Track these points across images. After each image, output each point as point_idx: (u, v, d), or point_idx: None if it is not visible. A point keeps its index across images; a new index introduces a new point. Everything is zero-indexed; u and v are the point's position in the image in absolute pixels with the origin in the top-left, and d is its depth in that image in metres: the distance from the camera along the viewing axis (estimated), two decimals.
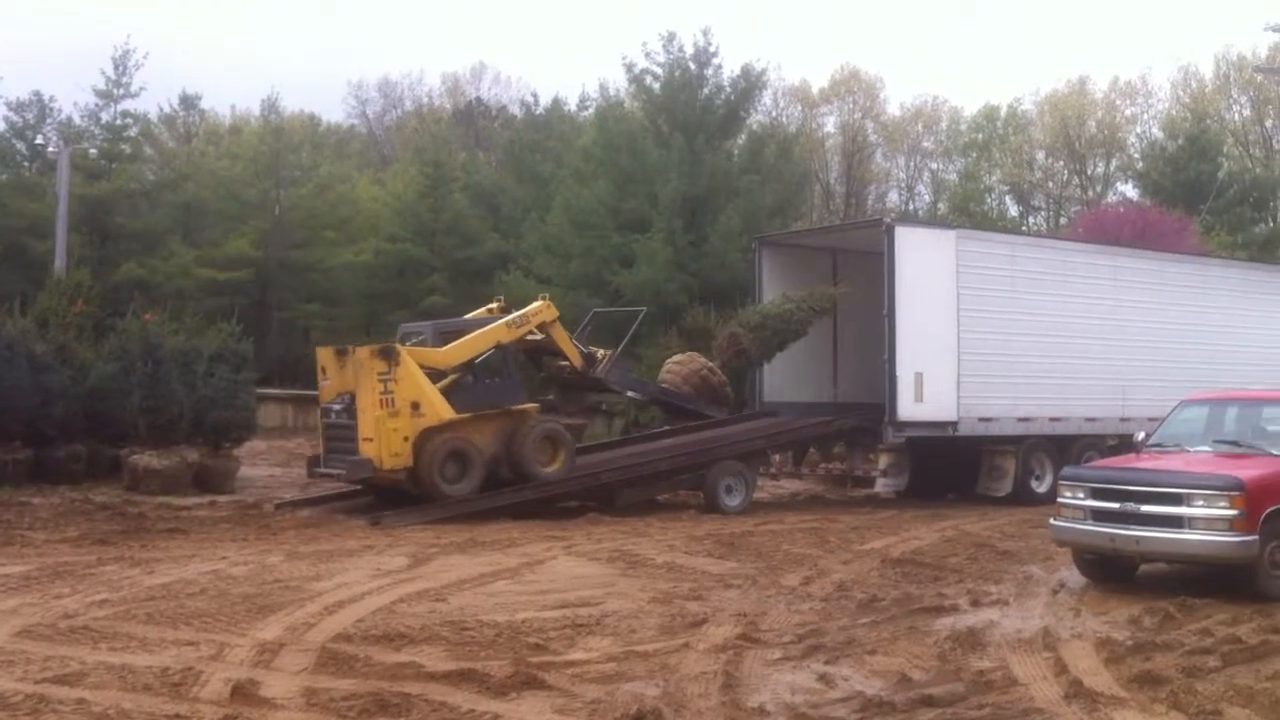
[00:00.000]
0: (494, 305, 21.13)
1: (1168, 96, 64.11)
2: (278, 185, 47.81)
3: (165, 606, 10.83)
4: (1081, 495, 12.69)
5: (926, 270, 20.67)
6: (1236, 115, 62.09)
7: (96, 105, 45.38)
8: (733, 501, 19.56)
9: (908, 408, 20.39)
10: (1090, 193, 63.57)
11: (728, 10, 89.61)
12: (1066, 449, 21.63)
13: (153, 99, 60.29)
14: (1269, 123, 60.48)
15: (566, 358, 20.12)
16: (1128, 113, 65.34)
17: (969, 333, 20.92)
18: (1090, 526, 12.50)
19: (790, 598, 11.84)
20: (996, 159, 66.59)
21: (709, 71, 41.07)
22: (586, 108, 55.51)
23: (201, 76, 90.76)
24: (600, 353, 20.67)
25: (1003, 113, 66.92)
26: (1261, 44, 57.00)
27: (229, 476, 21.63)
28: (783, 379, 22.79)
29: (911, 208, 64.94)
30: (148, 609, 10.71)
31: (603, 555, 14.43)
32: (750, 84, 42.16)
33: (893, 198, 67.46)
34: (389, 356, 17.46)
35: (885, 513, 19.83)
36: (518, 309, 20.02)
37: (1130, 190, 59.86)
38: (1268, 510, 11.65)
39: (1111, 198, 60.06)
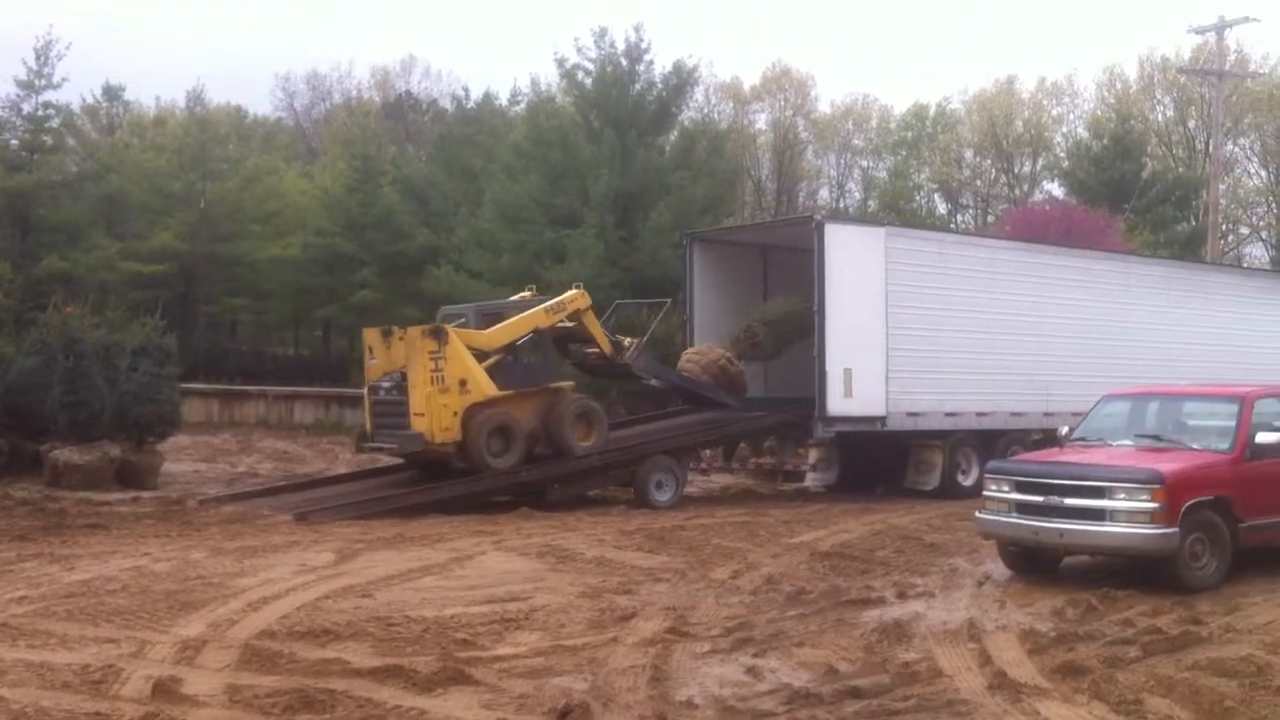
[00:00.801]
0: (526, 293, 21.60)
1: (1093, 97, 65.14)
2: (203, 178, 47.07)
3: (86, 603, 10.67)
4: (1006, 489, 12.84)
5: (856, 267, 20.80)
6: (1160, 116, 63.17)
7: (17, 96, 44.38)
8: (663, 496, 19.59)
9: (837, 403, 20.52)
10: (1017, 191, 64.35)
11: (660, 6, 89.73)
12: (992, 443, 21.87)
13: (75, 90, 58.92)
14: (1192, 123, 61.54)
15: (596, 344, 20.51)
16: (1054, 112, 66.30)
17: (897, 329, 21.10)
18: (1015, 519, 12.64)
19: (719, 591, 11.87)
20: (925, 157, 67.20)
21: (641, 67, 41.03)
22: (518, 102, 55.30)
23: (125, 67, 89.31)
24: (627, 341, 21.00)
25: (932, 111, 67.60)
26: (1185, 46, 58.10)
27: (152, 472, 21.34)
28: None
29: (842, 205, 65.36)
30: (68, 606, 10.55)
31: (532, 550, 14.38)
32: (682, 80, 42.17)
33: (823, 195, 67.92)
34: (439, 337, 18.21)
35: (814, 506, 19.94)
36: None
37: (1056, 189, 60.81)
38: (1188, 503, 11.85)
39: (1038, 196, 60.91)
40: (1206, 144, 55.67)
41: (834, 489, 22.44)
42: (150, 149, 49.63)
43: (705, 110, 58.43)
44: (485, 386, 18.53)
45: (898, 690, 8.31)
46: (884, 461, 22.28)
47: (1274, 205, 60.53)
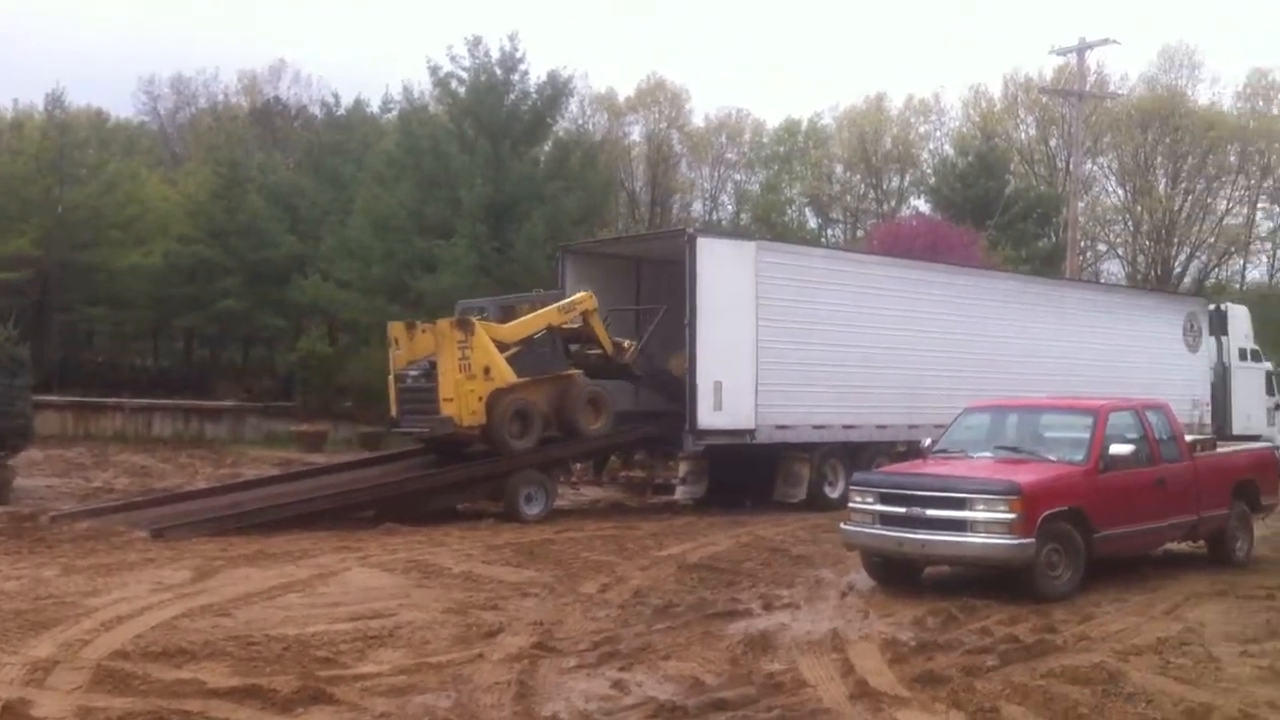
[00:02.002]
0: (537, 292, 22.73)
1: (959, 115, 66.83)
2: (61, 183, 45.68)
3: None
4: (871, 500, 13.02)
5: (727, 281, 20.93)
6: (1023, 134, 65.05)
7: None
8: (533, 510, 19.49)
9: (707, 416, 20.61)
10: (885, 206, 65.60)
11: (535, 15, 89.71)
12: (858, 455, 22.12)
13: None
14: (1053, 142, 63.47)
15: (599, 345, 21.45)
16: (921, 130, 67.87)
17: (767, 343, 21.27)
18: (878, 530, 12.83)
19: (587, 605, 11.84)
20: (797, 171, 68.09)
21: (515, 77, 40.93)
22: (390, 110, 54.57)
23: None
24: (626, 343, 21.68)
25: (803, 126, 68.50)
26: (1048, 66, 59.82)
27: (3, 487, 20.55)
28: None
29: (715, 218, 65.89)
30: None
31: (398, 566, 14.18)
32: (557, 91, 42.14)
33: (697, 207, 68.34)
34: (467, 328, 19.31)
35: (684, 519, 20.01)
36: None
37: (923, 205, 62.12)
38: (1044, 514, 12.14)
39: (905, 212, 62.15)
40: (1067, 162, 57.36)
41: (703, 502, 22.55)
42: (6, 153, 48.01)
43: (580, 121, 58.60)
44: (506, 374, 19.63)
45: (762, 701, 8.37)
46: (753, 474, 22.42)
47: (1130, 223, 62.62)
